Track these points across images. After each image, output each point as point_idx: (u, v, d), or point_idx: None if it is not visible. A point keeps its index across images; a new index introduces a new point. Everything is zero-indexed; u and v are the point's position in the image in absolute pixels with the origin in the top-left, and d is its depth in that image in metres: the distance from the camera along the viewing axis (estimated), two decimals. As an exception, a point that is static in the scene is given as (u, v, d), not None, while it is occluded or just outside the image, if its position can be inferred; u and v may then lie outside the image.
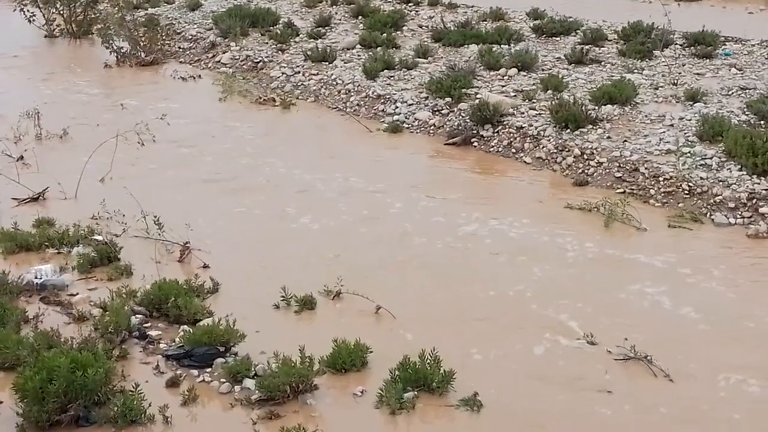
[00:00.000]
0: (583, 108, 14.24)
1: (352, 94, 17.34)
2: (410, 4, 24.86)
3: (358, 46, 20.31)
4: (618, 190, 12.49)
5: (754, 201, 11.59)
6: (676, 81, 16.37)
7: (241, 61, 20.58)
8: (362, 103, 16.98)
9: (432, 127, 15.57)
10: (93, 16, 25.10)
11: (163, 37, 22.76)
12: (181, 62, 21.69)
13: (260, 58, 20.30)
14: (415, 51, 19.31)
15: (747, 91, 15.69)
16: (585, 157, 13.35)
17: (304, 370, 7.62)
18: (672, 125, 13.96)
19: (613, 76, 16.68)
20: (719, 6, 25.49)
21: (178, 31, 23.81)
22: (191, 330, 8.44)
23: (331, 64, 18.98)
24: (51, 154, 14.41)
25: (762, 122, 13.61)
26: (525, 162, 13.93)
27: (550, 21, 21.28)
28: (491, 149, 14.50)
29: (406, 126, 15.79)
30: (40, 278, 9.65)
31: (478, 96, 15.67)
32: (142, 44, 21.83)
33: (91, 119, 16.22)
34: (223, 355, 8.18)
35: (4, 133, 14.68)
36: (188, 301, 8.96)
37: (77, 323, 8.79)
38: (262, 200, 12.40)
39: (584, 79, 16.74)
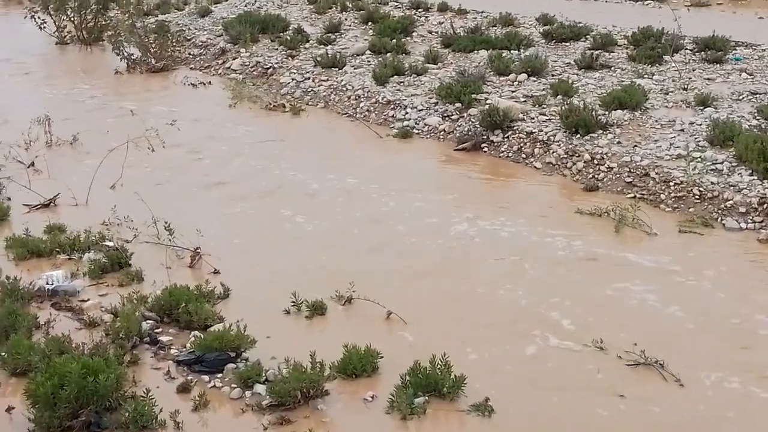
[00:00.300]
0: (593, 113, 14.22)
1: (362, 99, 17.35)
2: (420, 10, 24.85)
3: (368, 51, 20.35)
4: (628, 195, 12.47)
5: (765, 205, 11.55)
6: (686, 86, 16.34)
7: (251, 67, 20.63)
8: (372, 108, 17.00)
9: (442, 133, 15.58)
10: (103, 23, 25.22)
11: (174, 44, 22.82)
12: (191, 69, 21.75)
13: (270, 65, 20.35)
14: (424, 57, 19.33)
15: (757, 95, 15.64)
16: (595, 162, 13.34)
17: (314, 376, 7.62)
18: (682, 130, 13.93)
19: (623, 81, 16.65)
20: (729, 11, 25.44)
21: (189, 37, 23.88)
22: (202, 335, 8.44)
23: (340, 70, 19.01)
24: (61, 160, 14.46)
25: (773, 127, 13.58)
26: (535, 167, 13.92)
27: (560, 26, 21.25)
28: (501, 154, 14.50)
29: (416, 131, 15.80)
30: (52, 284, 9.67)
31: (487, 101, 15.66)
32: (152, 51, 21.90)
33: (102, 125, 16.29)
34: (234, 360, 8.19)
35: (15, 139, 14.73)
36: (199, 306, 8.97)
37: (88, 329, 8.81)
38: (272, 205, 12.41)
39: (594, 84, 16.72)
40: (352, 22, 23.93)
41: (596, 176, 13.14)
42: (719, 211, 11.70)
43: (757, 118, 14.19)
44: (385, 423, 7.44)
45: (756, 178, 12.02)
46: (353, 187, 13.10)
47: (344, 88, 17.98)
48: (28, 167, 13.78)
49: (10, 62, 22.60)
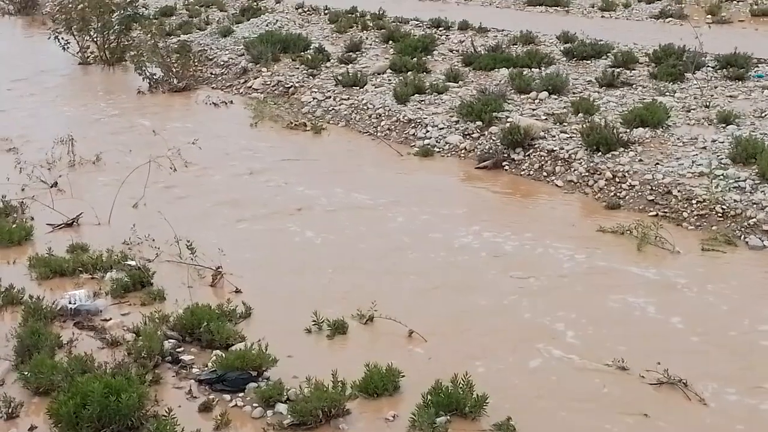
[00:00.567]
0: (615, 131, 14.18)
1: (383, 118, 17.38)
2: (441, 29, 24.89)
3: (389, 70, 20.38)
4: (650, 213, 12.42)
5: (789, 223, 11.49)
6: (708, 103, 16.27)
7: (273, 86, 20.70)
8: (393, 127, 17.02)
9: (463, 151, 15.58)
10: (126, 43, 25.34)
11: (195, 64, 22.92)
12: (213, 88, 21.83)
13: (291, 84, 20.42)
14: (445, 75, 19.35)
15: (780, 112, 15.59)
16: (617, 180, 13.29)
17: (336, 395, 7.61)
18: (704, 147, 13.87)
19: (644, 98, 16.60)
20: (751, 28, 25.34)
21: (210, 57, 23.99)
22: (224, 354, 8.45)
23: (361, 89, 19.05)
24: (84, 179, 14.54)
25: (796, 144, 13.49)
26: (556, 185, 13.89)
27: (581, 44, 21.23)
28: (522, 172, 14.48)
29: (437, 150, 15.81)
30: (74, 303, 9.72)
31: (508, 119, 15.65)
32: (174, 71, 22.01)
33: (124, 145, 16.37)
34: (256, 379, 8.19)
35: (38, 159, 14.83)
36: (220, 325, 8.98)
37: (111, 348, 8.85)
38: (293, 224, 12.43)
39: (615, 102, 16.68)
40: (373, 41, 23.99)
41: (618, 194, 13.09)
42: (742, 229, 11.63)
43: (780, 135, 14.12)
44: (406, 442, 7.42)
45: (779, 195, 11.96)
46: (373, 206, 13.09)
47: (365, 107, 18.02)
48: (52, 187, 13.89)
49: (30, 82, 22.77)
